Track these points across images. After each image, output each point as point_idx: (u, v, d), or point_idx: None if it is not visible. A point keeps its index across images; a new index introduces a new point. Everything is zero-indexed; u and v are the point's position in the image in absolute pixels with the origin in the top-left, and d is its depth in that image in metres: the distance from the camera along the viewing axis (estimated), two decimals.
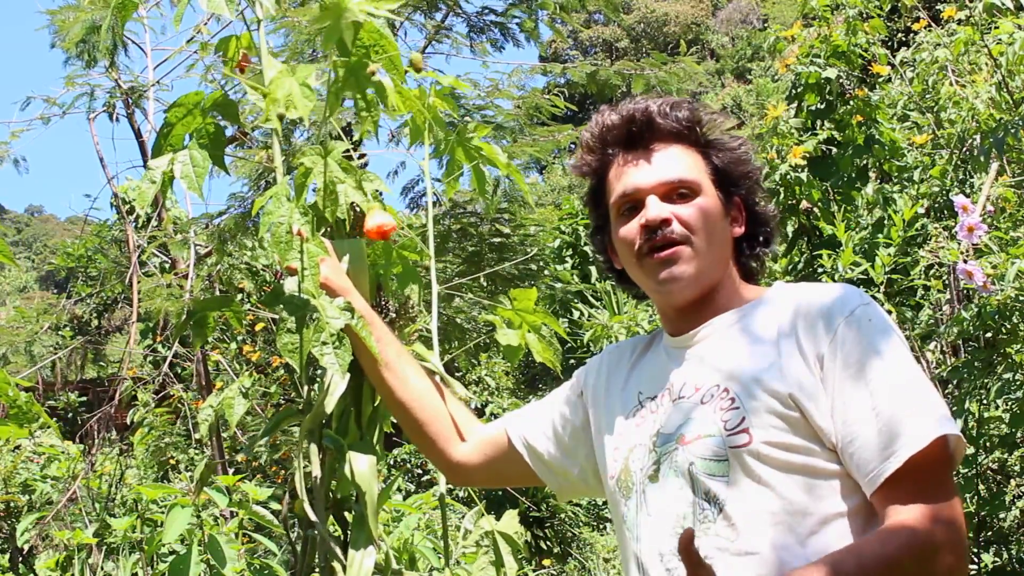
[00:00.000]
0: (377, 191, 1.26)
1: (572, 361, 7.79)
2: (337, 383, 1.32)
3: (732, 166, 1.35)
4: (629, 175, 1.32)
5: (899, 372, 1.15)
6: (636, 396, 1.34)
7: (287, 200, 1.17)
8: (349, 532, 1.35)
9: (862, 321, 1.18)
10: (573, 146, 5.44)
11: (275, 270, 1.40)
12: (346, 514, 1.38)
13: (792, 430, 1.16)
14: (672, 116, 1.33)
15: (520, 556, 1.51)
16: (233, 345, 5.69)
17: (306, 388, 1.35)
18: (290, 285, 1.23)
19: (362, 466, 1.32)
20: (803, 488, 1.15)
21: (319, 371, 1.36)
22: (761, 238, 1.38)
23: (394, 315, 1.53)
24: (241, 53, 1.37)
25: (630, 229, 1.31)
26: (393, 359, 1.42)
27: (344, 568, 1.29)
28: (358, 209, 1.36)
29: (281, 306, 1.20)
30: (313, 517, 1.30)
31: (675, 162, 1.31)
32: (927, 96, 3.80)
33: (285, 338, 1.18)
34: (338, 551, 1.30)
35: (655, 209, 1.29)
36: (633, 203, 1.32)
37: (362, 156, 1.53)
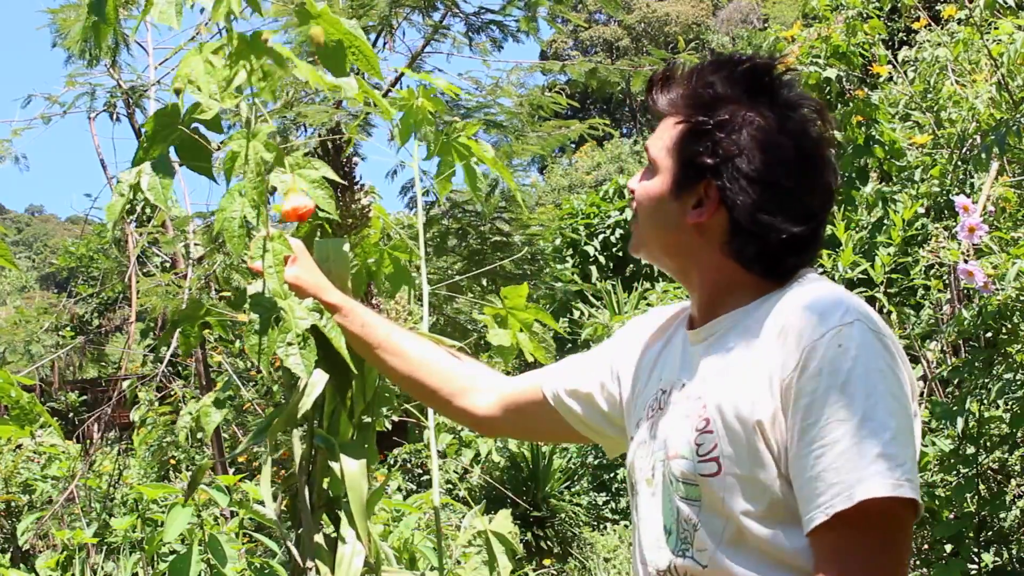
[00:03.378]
0: (323, 177, 1.23)
1: None
2: (314, 384, 1.31)
3: (687, 146, 1.21)
4: None
5: (851, 416, 1.03)
6: (657, 387, 1.28)
7: (239, 195, 1.17)
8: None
9: (830, 347, 1.06)
10: (573, 145, 5.44)
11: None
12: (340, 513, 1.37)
13: (760, 462, 1.09)
14: (664, 90, 1.26)
15: (518, 556, 1.51)
16: (237, 344, 5.69)
17: (284, 389, 1.34)
18: (256, 286, 1.22)
19: (352, 466, 1.31)
20: (771, 525, 1.08)
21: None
22: (736, 230, 1.18)
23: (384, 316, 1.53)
24: None
25: None
26: (383, 338, 1.41)
27: (332, 568, 1.29)
28: (358, 208, 1.36)
29: (248, 307, 1.19)
30: (277, 522, 1.29)
31: (654, 136, 1.27)
32: (928, 96, 3.80)
33: (252, 339, 1.18)
34: (323, 550, 1.30)
35: (631, 179, 1.31)
36: None
37: (351, 157, 1.52)
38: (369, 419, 1.43)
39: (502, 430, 1.50)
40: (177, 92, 1.16)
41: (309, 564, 1.30)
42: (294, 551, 1.29)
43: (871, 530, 1.02)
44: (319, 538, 1.34)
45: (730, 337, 1.19)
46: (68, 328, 7.59)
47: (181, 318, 1.38)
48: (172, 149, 1.25)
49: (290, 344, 1.17)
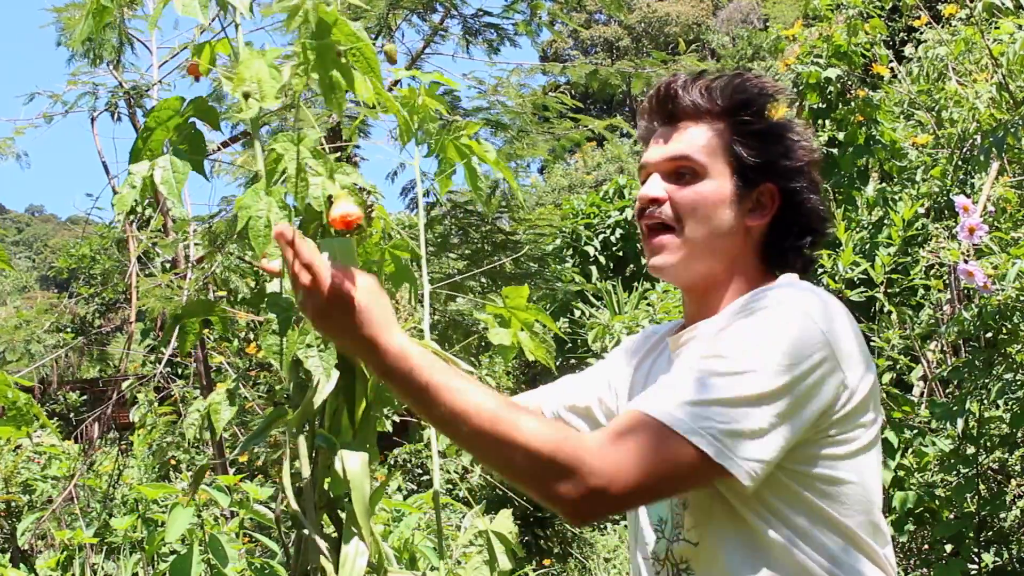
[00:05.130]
0: (355, 184, 1.23)
1: (573, 360, 7.77)
2: (324, 382, 1.31)
3: (761, 150, 1.23)
4: (648, 150, 1.29)
5: (723, 356, 1.09)
6: None
7: (265, 194, 1.16)
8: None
9: (754, 296, 1.17)
10: (574, 148, 5.45)
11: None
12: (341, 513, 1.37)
13: None
14: (695, 93, 1.25)
15: (519, 556, 1.50)
16: (236, 343, 5.68)
17: (292, 387, 1.34)
18: (274, 285, 1.22)
19: (354, 465, 1.31)
20: (752, 499, 1.11)
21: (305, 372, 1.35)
22: (797, 229, 1.25)
23: None
24: (192, 61, 1.34)
25: (637, 205, 1.29)
26: None
27: (336, 567, 1.29)
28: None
29: (266, 307, 1.19)
30: (303, 516, 1.29)
31: (687, 140, 1.24)
32: (930, 96, 3.81)
33: (270, 339, 1.17)
34: (327, 550, 1.30)
35: (649, 187, 1.25)
36: (646, 178, 1.28)
37: (350, 157, 1.52)
38: (371, 418, 1.43)
39: None
40: (246, 96, 1.14)
41: (314, 564, 1.30)
42: (321, 545, 1.29)
43: (648, 439, 1.05)
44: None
45: (709, 339, 1.21)
46: (69, 329, 7.59)
47: (186, 313, 1.37)
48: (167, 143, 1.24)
49: (309, 346, 1.16)
